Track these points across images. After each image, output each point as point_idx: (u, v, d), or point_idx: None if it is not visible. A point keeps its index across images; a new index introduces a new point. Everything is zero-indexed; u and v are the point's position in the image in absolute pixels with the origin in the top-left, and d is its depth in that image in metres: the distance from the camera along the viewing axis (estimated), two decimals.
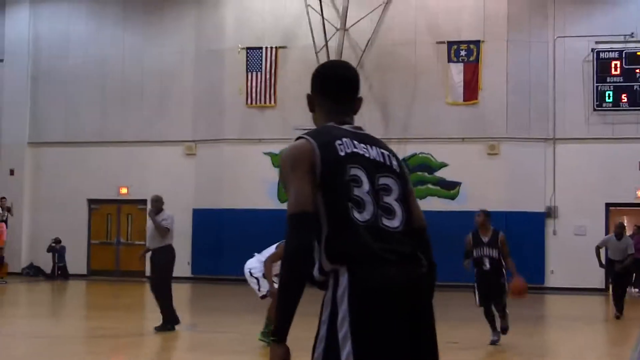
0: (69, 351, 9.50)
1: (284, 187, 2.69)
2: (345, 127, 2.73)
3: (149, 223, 12.01)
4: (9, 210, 19.57)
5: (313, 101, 2.81)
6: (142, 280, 19.19)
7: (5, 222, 19.41)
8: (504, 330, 10.01)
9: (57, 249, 20.62)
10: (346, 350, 2.45)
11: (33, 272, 21.43)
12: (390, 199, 2.65)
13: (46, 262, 21.16)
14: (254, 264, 9.46)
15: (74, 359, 9.17)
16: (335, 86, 2.78)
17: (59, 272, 20.53)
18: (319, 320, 2.59)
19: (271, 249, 9.19)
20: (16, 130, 22.12)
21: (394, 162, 2.74)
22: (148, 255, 12.14)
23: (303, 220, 2.50)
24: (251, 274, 9.43)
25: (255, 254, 9.70)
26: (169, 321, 10.89)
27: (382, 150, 2.74)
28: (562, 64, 18.97)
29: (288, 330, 2.52)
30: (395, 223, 2.60)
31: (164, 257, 11.09)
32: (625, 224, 17.55)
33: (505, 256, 9.91)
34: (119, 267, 21.30)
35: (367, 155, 2.68)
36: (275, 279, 8.40)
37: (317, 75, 2.82)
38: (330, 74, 2.85)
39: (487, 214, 10.26)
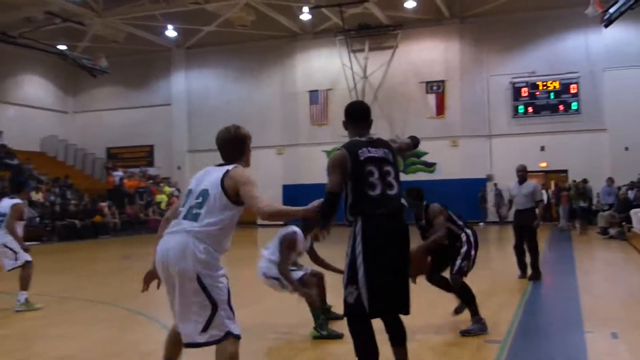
0: None
1: (328, 176, 4.09)
2: (364, 139, 4.13)
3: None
4: (178, 190, 29.40)
5: (346, 124, 4.28)
6: None
7: (177, 196, 29.62)
8: None
9: None
10: (360, 258, 3.88)
11: None
12: (391, 178, 4.05)
13: None
14: (264, 264, 6.60)
15: None
16: (358, 115, 4.24)
17: None
18: (348, 245, 4.04)
19: (275, 243, 6.63)
20: (180, 142, 31.61)
21: (391, 157, 4.09)
22: None
23: (333, 196, 4.00)
24: (266, 276, 6.52)
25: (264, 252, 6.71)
26: None
27: (385, 150, 4.10)
28: (493, 91, 27.41)
29: (328, 222, 4.04)
30: (393, 192, 4.03)
31: None
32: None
33: None
34: (242, 218, 30.58)
35: (376, 155, 4.06)
36: (292, 268, 6.49)
37: (347, 109, 4.30)
38: (354, 109, 4.31)
39: None
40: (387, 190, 3.97)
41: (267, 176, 29.54)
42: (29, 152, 29.23)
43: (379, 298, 3.82)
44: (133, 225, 26.84)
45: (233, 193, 3.75)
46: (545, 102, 26.90)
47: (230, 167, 3.87)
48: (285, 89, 30.35)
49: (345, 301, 3.88)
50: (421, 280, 5.51)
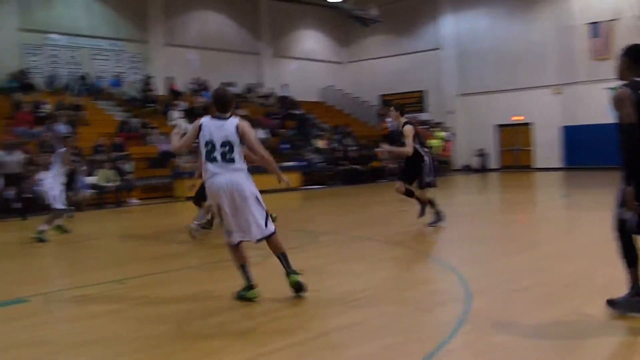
0: None
1: (617, 112, 4.24)
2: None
3: None
4: (453, 134, 29.65)
5: (623, 63, 4.46)
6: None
7: (451, 140, 29.51)
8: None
9: (481, 154, 29.81)
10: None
11: (465, 169, 30.27)
12: None
13: (475, 162, 30.53)
14: None
15: None
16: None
17: (483, 168, 29.36)
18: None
19: None
20: (451, 87, 31.47)
21: None
22: None
23: (633, 126, 4.15)
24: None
25: None
26: None
27: None
28: None
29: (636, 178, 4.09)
30: None
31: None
32: None
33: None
34: (518, 162, 29.26)
35: None
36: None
37: (631, 50, 4.48)
38: (638, 50, 4.45)
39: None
40: None
41: (542, 117, 28.62)
42: (310, 103, 31.49)
43: None
44: None
45: (242, 139, 5.57)
46: None
47: (235, 120, 5.60)
48: (561, 23, 28.25)
49: (620, 219, 4.42)
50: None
